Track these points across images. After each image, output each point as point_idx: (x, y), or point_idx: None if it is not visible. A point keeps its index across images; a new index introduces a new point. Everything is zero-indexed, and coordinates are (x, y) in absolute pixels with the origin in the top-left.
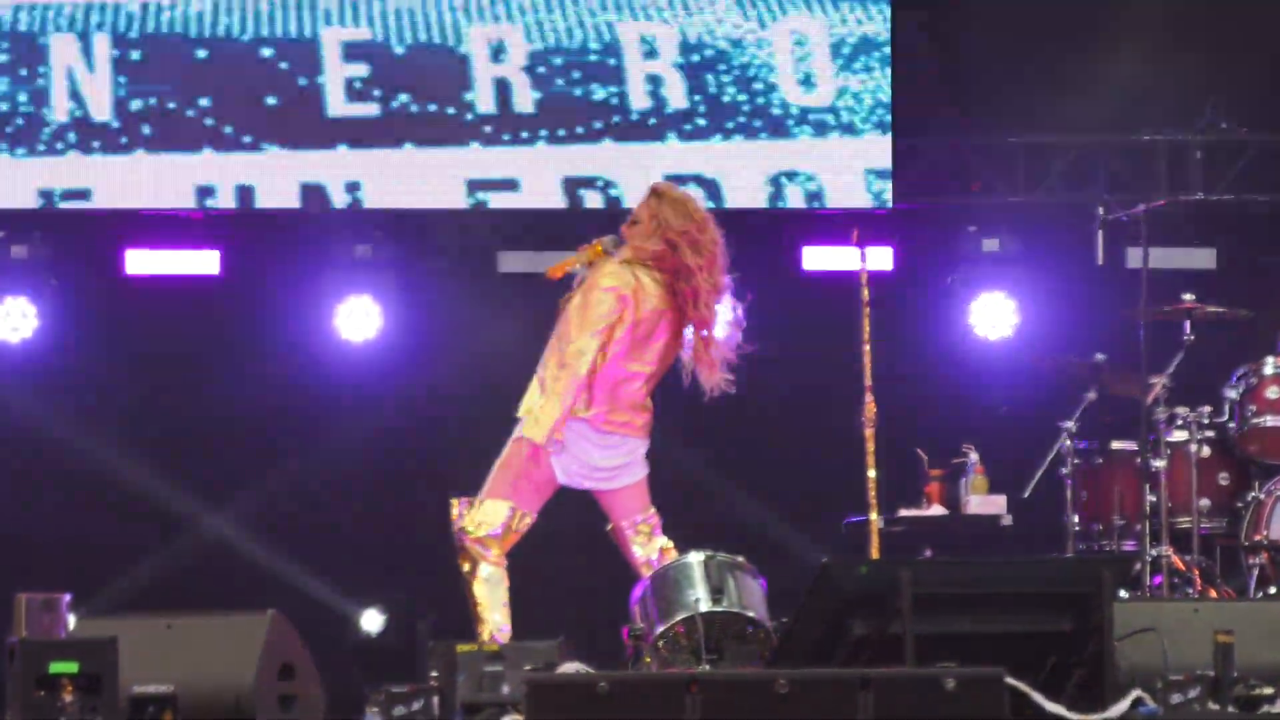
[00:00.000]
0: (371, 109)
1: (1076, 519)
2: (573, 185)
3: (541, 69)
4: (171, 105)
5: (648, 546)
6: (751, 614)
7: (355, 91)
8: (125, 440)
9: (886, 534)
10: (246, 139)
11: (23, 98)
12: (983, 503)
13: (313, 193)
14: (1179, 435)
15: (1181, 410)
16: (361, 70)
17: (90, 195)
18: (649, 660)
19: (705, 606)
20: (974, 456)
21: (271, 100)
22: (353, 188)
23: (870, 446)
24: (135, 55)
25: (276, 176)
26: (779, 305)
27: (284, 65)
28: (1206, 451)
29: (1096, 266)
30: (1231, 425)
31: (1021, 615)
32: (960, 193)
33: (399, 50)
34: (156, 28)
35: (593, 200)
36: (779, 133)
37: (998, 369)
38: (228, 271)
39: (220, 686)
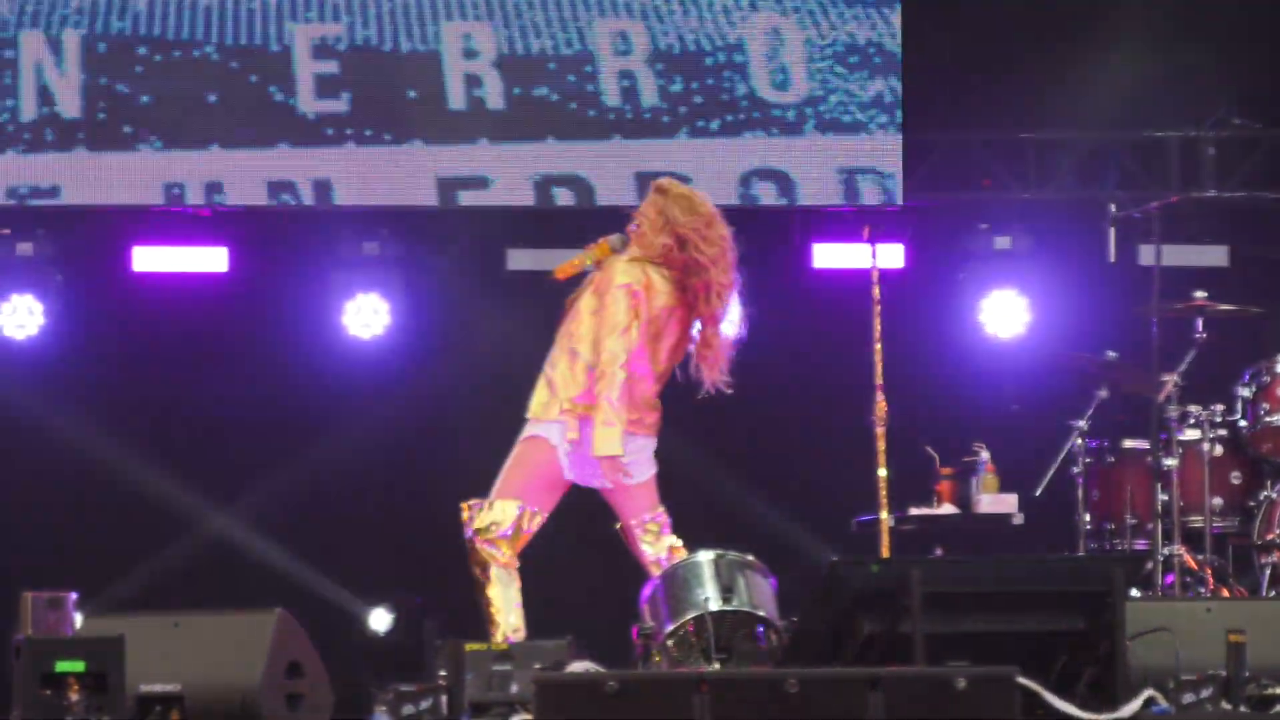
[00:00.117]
0: (341, 105)
1: (1088, 518)
2: (544, 183)
3: (513, 65)
4: (140, 102)
5: (657, 545)
6: (761, 613)
7: (325, 88)
8: (132, 437)
9: (897, 532)
10: (215, 136)
11: None
12: (994, 501)
13: (281, 190)
14: (1191, 434)
15: (1194, 408)
16: (331, 67)
17: (59, 193)
18: (658, 659)
19: (715, 605)
20: (985, 455)
21: (241, 97)
22: (322, 185)
23: (881, 445)
24: (104, 51)
25: (244, 173)
26: (789, 303)
27: (253, 61)
28: (1219, 450)
29: (1108, 264)
30: (1244, 423)
31: (1033, 614)
32: (972, 190)
33: (369, 47)
34: (126, 24)
35: (564, 198)
36: (750, 130)
37: (1009, 367)
38: (235, 268)
39: (227, 685)
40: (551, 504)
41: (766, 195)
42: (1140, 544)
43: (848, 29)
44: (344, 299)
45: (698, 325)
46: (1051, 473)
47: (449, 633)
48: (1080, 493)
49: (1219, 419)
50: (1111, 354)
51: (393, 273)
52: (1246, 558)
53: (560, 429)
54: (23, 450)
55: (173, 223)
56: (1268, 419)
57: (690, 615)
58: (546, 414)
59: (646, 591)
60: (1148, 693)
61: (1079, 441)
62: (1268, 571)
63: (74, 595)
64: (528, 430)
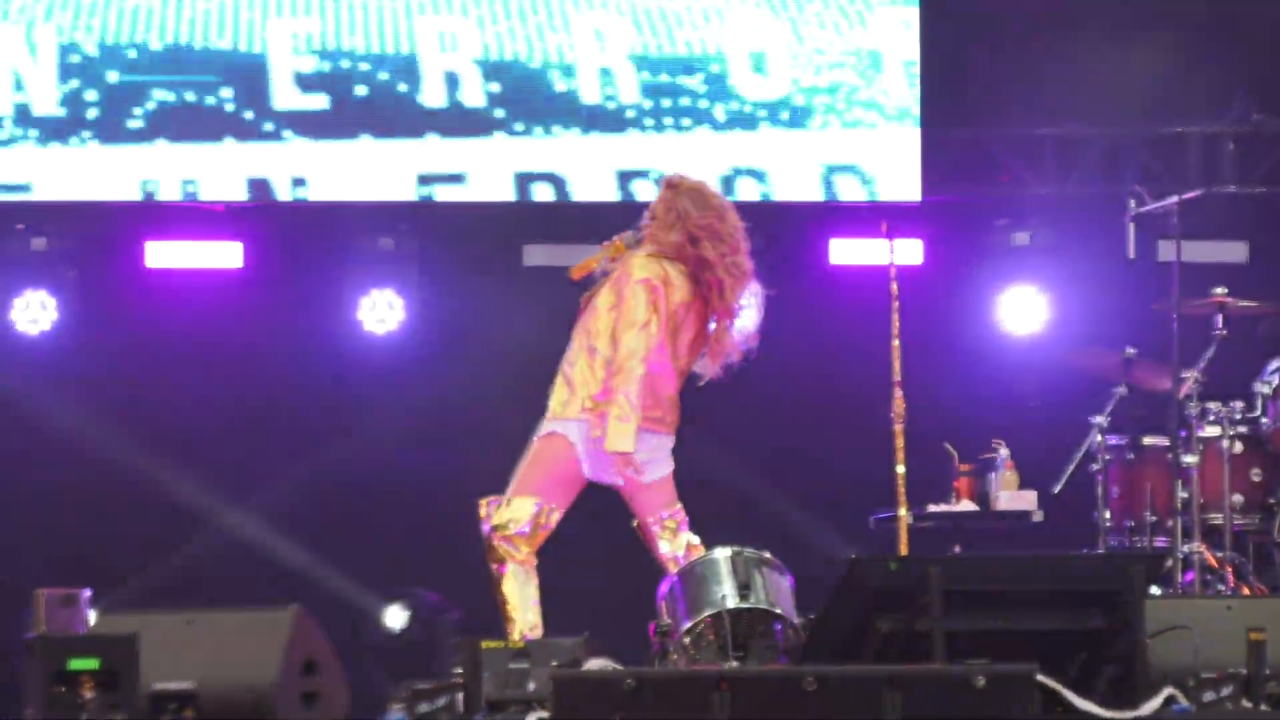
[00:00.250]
0: (320, 101)
1: (1108, 515)
2: (523, 179)
3: (492, 62)
4: (116, 98)
5: (674, 542)
6: (779, 610)
7: (303, 83)
8: (144, 433)
9: (915, 530)
10: (191, 132)
11: None
12: (1013, 498)
13: (259, 187)
14: (1211, 430)
15: (1213, 405)
16: (310, 63)
17: (30, 189)
18: (675, 657)
19: (732, 603)
20: (1004, 452)
21: (217, 92)
22: (299, 182)
23: (899, 441)
24: (80, 46)
25: (221, 170)
26: (806, 299)
27: (231, 57)
28: (1239, 447)
29: (1128, 260)
30: (1264, 420)
31: (1052, 612)
32: (990, 185)
33: (348, 42)
34: (103, 20)
35: (543, 194)
36: (733, 126)
37: (1028, 363)
38: (250, 264)
39: (242, 683)
40: (568, 501)
41: (747, 192)
42: (1160, 541)
43: (865, 24)
44: (359, 294)
45: (713, 320)
46: (1071, 470)
47: (465, 630)
48: (1100, 490)
49: (1239, 416)
50: (1131, 350)
51: (408, 268)
52: (1267, 555)
53: (580, 427)
54: (35, 446)
55: (187, 218)
56: None
57: (707, 613)
58: (566, 412)
59: (663, 589)
60: (1168, 691)
61: (1098, 438)
62: None
63: (87, 592)
64: (545, 427)
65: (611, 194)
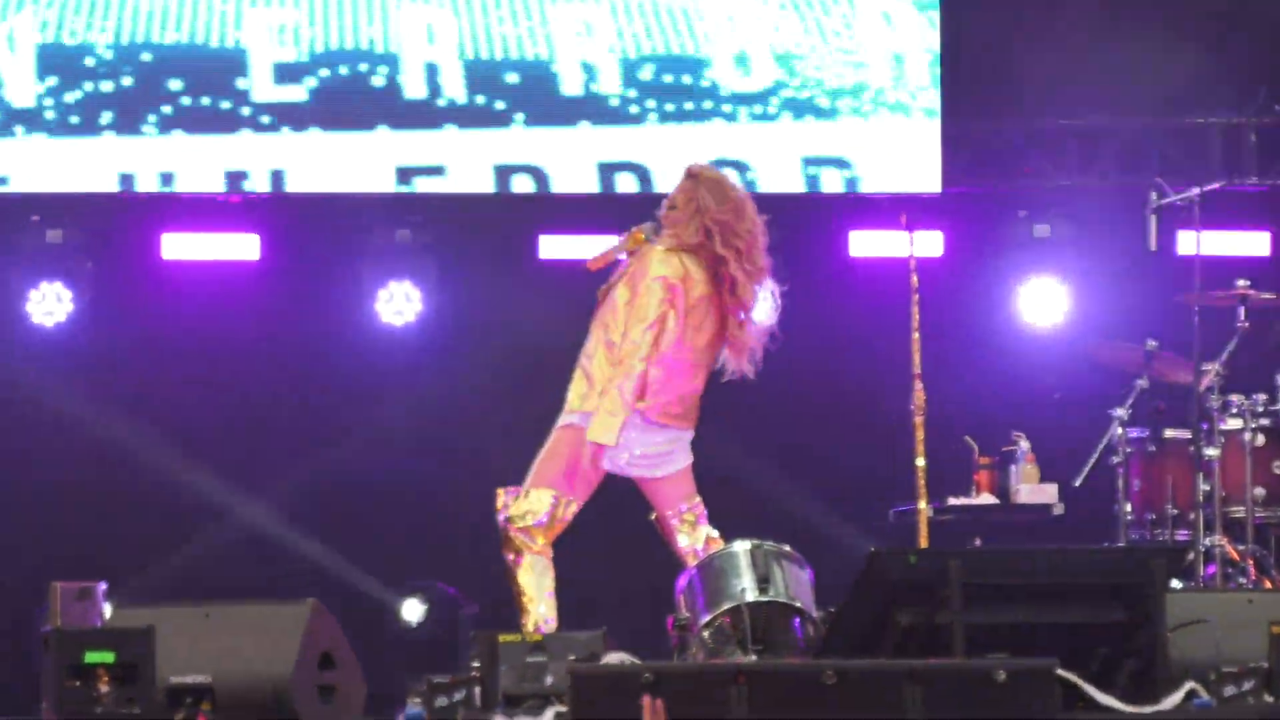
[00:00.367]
0: (299, 94)
1: (1129, 508)
2: (503, 171)
3: (473, 53)
4: (95, 89)
5: (693, 536)
6: (798, 604)
7: (282, 75)
8: (161, 425)
9: (935, 523)
10: (168, 123)
11: None
12: (1033, 491)
13: (237, 179)
14: (1233, 423)
15: (1235, 398)
16: (289, 54)
17: (7, 181)
18: (694, 651)
19: (751, 596)
20: (1024, 445)
21: (195, 84)
22: (276, 174)
23: (919, 434)
24: (56, 38)
25: (199, 161)
26: (825, 291)
27: (208, 48)
28: (1261, 439)
29: (1149, 252)
30: None
31: (1073, 606)
32: (1011, 177)
33: (328, 34)
34: (79, 11)
35: (522, 185)
36: (713, 118)
37: (1049, 356)
38: (267, 256)
39: (259, 677)
40: (587, 494)
41: None
42: (1181, 534)
43: (888, 19)
44: (376, 286)
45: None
46: (1092, 463)
47: (483, 623)
48: (1121, 483)
49: (1261, 408)
50: (1152, 343)
51: (425, 260)
52: None
53: None
54: (51, 438)
55: (203, 210)
56: None
57: (727, 606)
58: (585, 405)
59: (682, 582)
60: (1189, 685)
61: (1119, 431)
62: None
63: (103, 585)
64: (564, 419)
65: (592, 186)
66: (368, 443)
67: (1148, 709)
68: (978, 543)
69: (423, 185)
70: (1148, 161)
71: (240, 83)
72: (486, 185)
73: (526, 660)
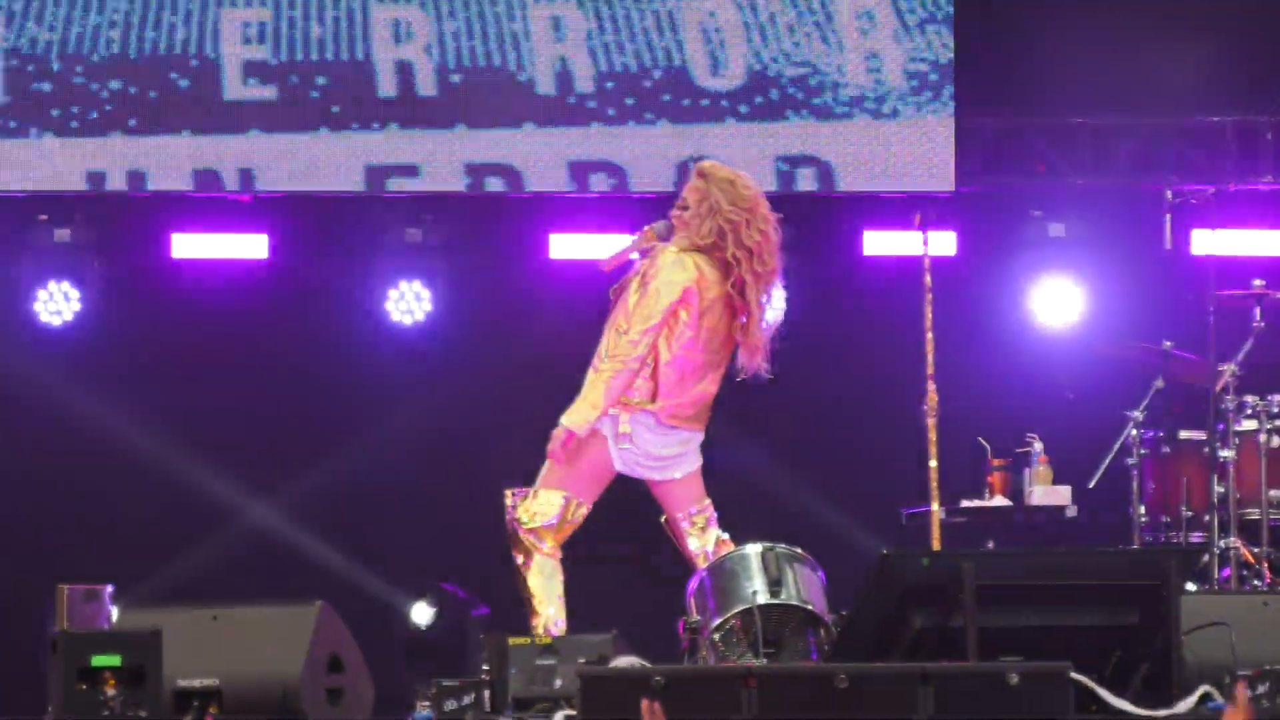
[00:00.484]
0: (270, 92)
1: (1143, 510)
2: (476, 171)
3: (446, 52)
4: (65, 87)
5: (703, 538)
6: (810, 607)
7: (253, 74)
8: (169, 426)
9: (948, 525)
10: (140, 123)
11: None
12: (1047, 493)
13: (206, 177)
14: (1248, 424)
15: (1251, 399)
16: (260, 53)
17: None
18: (705, 654)
19: (763, 599)
20: (1038, 446)
21: (167, 83)
22: (246, 173)
23: (932, 435)
24: (28, 36)
25: (169, 161)
26: (839, 290)
27: (180, 46)
28: (1276, 441)
29: (1164, 251)
30: None
31: (1087, 608)
32: (1025, 176)
33: (298, 32)
34: (53, 10)
35: (494, 185)
36: (686, 118)
37: (1063, 356)
38: (276, 256)
39: (267, 679)
40: (596, 495)
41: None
42: (1196, 536)
43: (900, 10)
44: (386, 286)
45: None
46: (1106, 464)
47: (492, 626)
48: (1135, 484)
49: (1277, 409)
50: (1167, 343)
51: (435, 259)
52: None
53: (612, 422)
54: (57, 438)
55: (212, 209)
56: None
57: (738, 609)
58: None
59: (693, 584)
60: (1204, 688)
61: (1134, 432)
62: None
63: (110, 588)
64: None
65: (563, 185)
66: (377, 443)
67: (1161, 712)
68: (991, 545)
69: (396, 185)
70: (1163, 160)
71: (210, 82)
72: (459, 185)
73: (536, 663)
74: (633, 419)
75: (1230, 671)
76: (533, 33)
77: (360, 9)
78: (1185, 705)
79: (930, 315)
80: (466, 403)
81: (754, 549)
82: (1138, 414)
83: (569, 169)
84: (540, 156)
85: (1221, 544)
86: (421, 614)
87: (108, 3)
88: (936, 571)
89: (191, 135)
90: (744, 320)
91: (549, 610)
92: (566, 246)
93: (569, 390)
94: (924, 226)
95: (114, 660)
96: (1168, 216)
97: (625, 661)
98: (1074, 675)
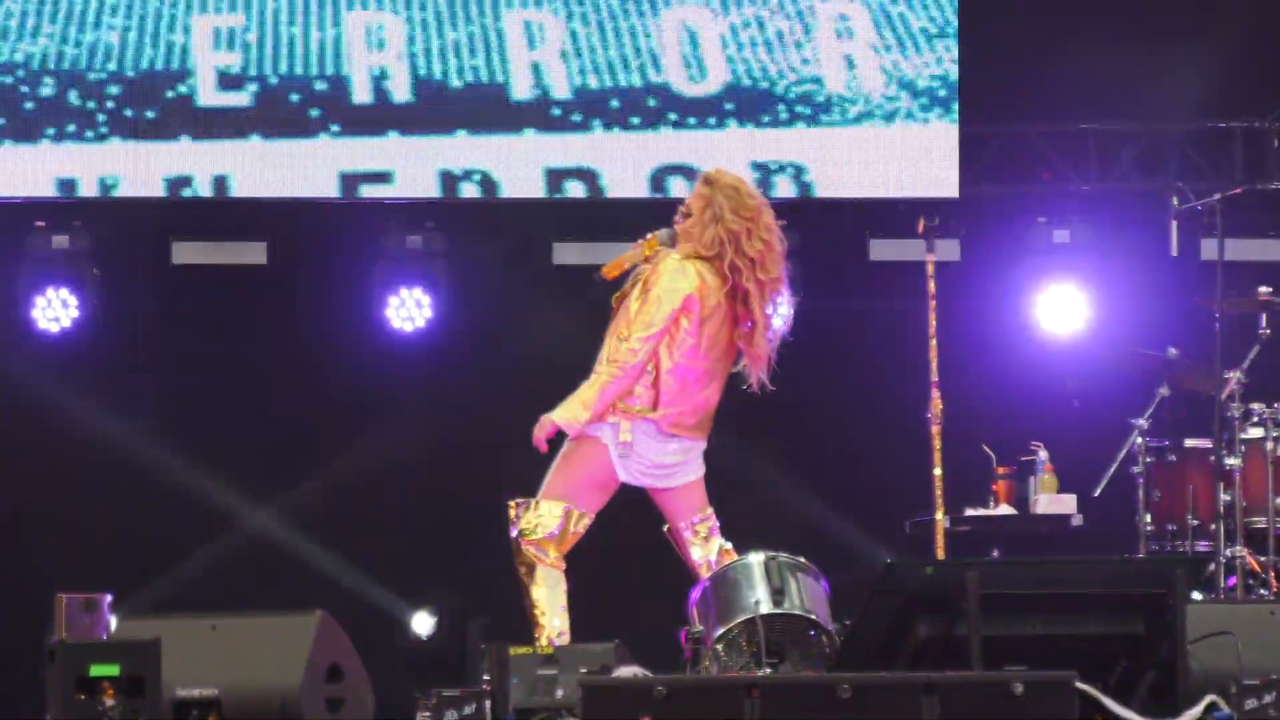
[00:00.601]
0: (243, 99)
1: (1149, 519)
2: (449, 178)
3: (421, 59)
4: (36, 93)
5: (706, 547)
6: (813, 616)
7: (226, 81)
8: (168, 434)
9: (952, 534)
10: (110, 129)
11: None
12: (1052, 502)
13: (180, 185)
14: (1255, 432)
15: (1257, 406)
16: (233, 60)
17: None
18: (707, 664)
19: (766, 608)
20: (1043, 454)
21: (139, 89)
22: (220, 180)
23: (936, 443)
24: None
25: (140, 168)
26: (844, 297)
27: (151, 52)
28: None
29: (1170, 257)
30: None
31: (1092, 617)
32: (1031, 181)
33: (272, 38)
34: (18, 7)
35: (469, 191)
36: (662, 124)
37: (1068, 363)
38: (275, 262)
39: (266, 689)
40: (599, 505)
41: (679, 190)
42: (1202, 545)
43: (904, 15)
44: (387, 293)
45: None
46: (1111, 472)
47: (493, 636)
48: (1141, 493)
49: None
50: (1173, 350)
51: (436, 266)
52: None
53: (612, 430)
54: (55, 446)
55: (212, 216)
56: None
57: (741, 618)
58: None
59: (695, 594)
60: (1209, 698)
61: (1139, 440)
62: None
63: (109, 597)
64: (578, 429)
65: (538, 192)
66: (377, 451)
67: None
68: (995, 554)
69: (369, 192)
70: (1169, 166)
71: (183, 88)
72: (433, 191)
73: (538, 673)
74: (634, 427)
75: (1236, 681)
76: (509, 39)
77: (335, 15)
78: (1191, 715)
79: (934, 322)
80: (467, 410)
81: (757, 558)
82: (1143, 422)
83: (545, 176)
84: (516, 163)
85: (1227, 553)
86: (423, 624)
87: (77, 8)
88: (941, 580)
89: (161, 142)
90: (748, 329)
91: (553, 621)
92: (571, 253)
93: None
94: (928, 233)
95: (113, 670)
96: (1174, 222)
97: (627, 671)
98: (1079, 685)
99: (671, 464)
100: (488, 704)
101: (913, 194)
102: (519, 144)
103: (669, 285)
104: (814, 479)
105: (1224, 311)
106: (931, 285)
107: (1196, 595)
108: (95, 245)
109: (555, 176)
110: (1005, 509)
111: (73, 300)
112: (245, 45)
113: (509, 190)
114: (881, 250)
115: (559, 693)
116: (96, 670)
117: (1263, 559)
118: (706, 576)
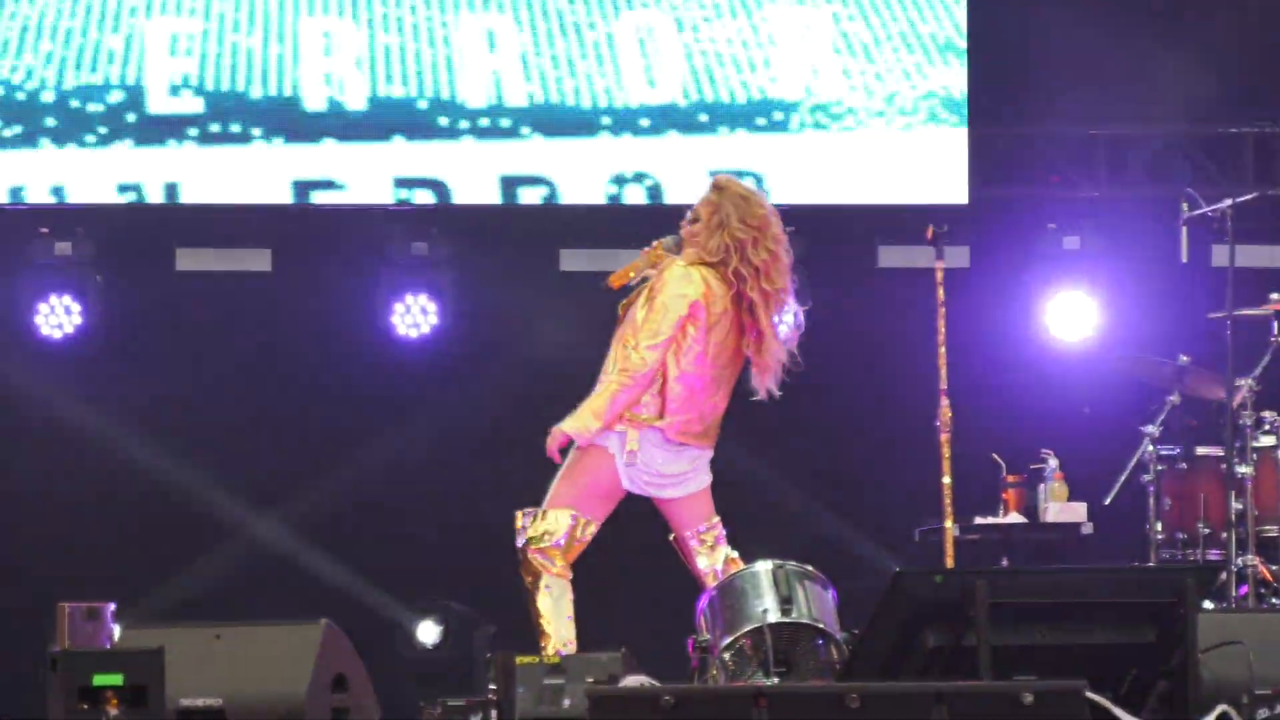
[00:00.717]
0: (194, 105)
1: (1160, 527)
2: (403, 184)
3: (373, 65)
4: None
5: (712, 556)
6: (821, 625)
7: (179, 87)
8: (173, 442)
9: (962, 542)
10: (63, 134)
11: None
12: (1062, 510)
13: (129, 191)
14: (1266, 440)
15: (1269, 414)
16: (185, 65)
17: None
18: (715, 673)
19: (774, 617)
20: (1053, 462)
21: (92, 94)
22: (171, 187)
23: (945, 451)
24: None
25: (92, 174)
26: (852, 304)
27: (106, 56)
28: None
29: (1181, 264)
30: None
31: (1102, 626)
32: (1040, 187)
33: (225, 44)
34: None
35: (423, 197)
36: (620, 130)
37: (1078, 371)
38: (280, 269)
39: (271, 698)
40: (605, 513)
41: (634, 197)
42: (1213, 554)
43: (912, 21)
44: (392, 299)
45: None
46: (1122, 480)
47: (499, 645)
48: (1151, 501)
49: None
50: (1184, 358)
51: (442, 273)
52: None
53: (618, 438)
54: (58, 453)
55: (216, 223)
56: None
57: (748, 627)
58: None
59: (702, 603)
60: (1221, 708)
61: (1150, 448)
62: None
63: (112, 606)
64: (588, 439)
65: (494, 198)
66: (383, 458)
67: None
68: (1005, 562)
69: (320, 199)
70: (1179, 172)
71: (134, 92)
72: (386, 198)
73: (544, 682)
74: (640, 436)
75: (1248, 690)
76: (465, 46)
77: (289, 20)
78: None
79: (944, 329)
80: (473, 416)
81: (764, 567)
82: (1154, 429)
83: (500, 182)
84: (470, 170)
85: (1239, 561)
86: (428, 632)
87: (32, 5)
88: (950, 589)
89: (112, 149)
90: (755, 338)
91: (560, 631)
92: (578, 260)
93: (576, 405)
94: (937, 240)
95: (116, 679)
96: (1184, 229)
97: (634, 681)
98: (1089, 694)
99: (677, 473)
100: (494, 714)
101: (922, 200)
102: (473, 150)
103: (674, 292)
104: (822, 487)
105: (1235, 318)
106: (940, 292)
107: (1208, 604)
108: (98, 252)
109: (509, 183)
110: (1015, 517)
111: (75, 307)
112: (197, 51)
113: (461, 196)
114: (890, 257)
115: (566, 702)
116: (99, 679)
117: (1274, 568)
118: (713, 585)
